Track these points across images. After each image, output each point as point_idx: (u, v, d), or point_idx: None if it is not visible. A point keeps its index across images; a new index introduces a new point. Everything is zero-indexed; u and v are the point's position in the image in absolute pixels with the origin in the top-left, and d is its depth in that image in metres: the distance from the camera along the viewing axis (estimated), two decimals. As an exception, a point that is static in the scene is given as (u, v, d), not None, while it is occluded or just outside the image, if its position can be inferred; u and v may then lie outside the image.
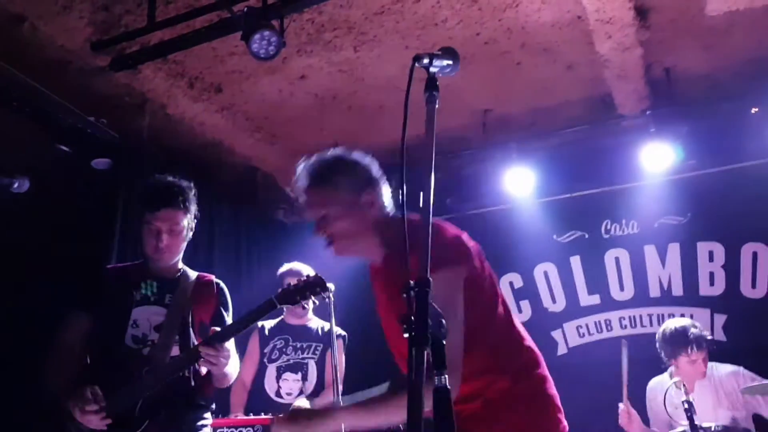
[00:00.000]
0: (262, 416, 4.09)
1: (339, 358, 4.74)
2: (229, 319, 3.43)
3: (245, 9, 4.23)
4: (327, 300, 4.25)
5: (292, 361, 4.76)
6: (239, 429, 3.90)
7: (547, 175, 6.10)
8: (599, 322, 6.19)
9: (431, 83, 1.75)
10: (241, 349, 4.90)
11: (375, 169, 2.57)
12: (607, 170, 6.12)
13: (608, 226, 6.30)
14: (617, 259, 6.21)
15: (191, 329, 3.23)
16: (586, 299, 6.28)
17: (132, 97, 5.16)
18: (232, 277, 6.20)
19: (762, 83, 5.30)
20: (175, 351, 3.18)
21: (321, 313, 4.88)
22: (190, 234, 3.39)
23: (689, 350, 4.46)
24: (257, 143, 6.20)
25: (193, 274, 3.44)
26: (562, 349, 6.25)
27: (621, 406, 4.50)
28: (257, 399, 4.58)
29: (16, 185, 2.62)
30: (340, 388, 4.64)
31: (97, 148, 5.20)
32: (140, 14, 4.39)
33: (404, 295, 1.40)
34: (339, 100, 5.64)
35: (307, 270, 4.92)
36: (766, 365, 4.66)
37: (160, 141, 5.60)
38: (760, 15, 4.71)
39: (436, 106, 1.74)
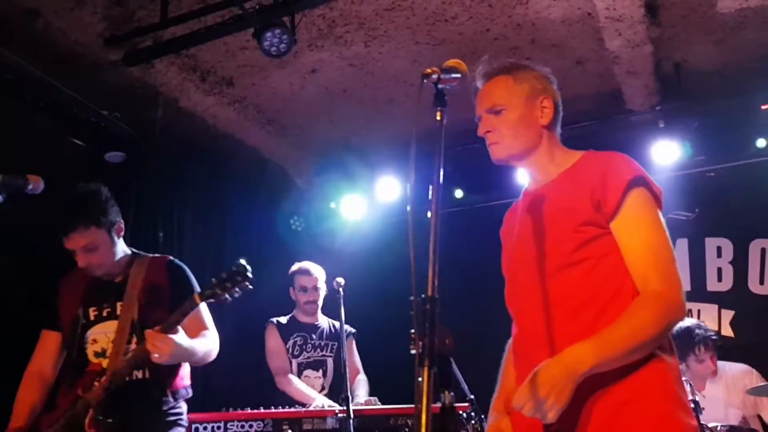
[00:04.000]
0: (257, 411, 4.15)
1: (351, 355, 4.88)
2: (189, 294, 3.19)
3: (257, 6, 4.27)
4: (337, 294, 4.34)
5: (312, 359, 4.84)
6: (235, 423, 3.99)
7: (555, 170, 6.10)
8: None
9: (440, 98, 1.78)
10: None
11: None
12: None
13: (616, 221, 6.29)
14: (625, 254, 6.21)
15: (143, 333, 3.09)
16: (594, 293, 6.27)
17: (145, 91, 5.20)
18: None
19: (772, 80, 5.30)
20: None
21: (328, 308, 4.94)
22: (115, 234, 3.27)
23: (696, 351, 4.49)
24: (268, 136, 6.23)
25: (143, 265, 3.34)
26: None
27: None
28: (279, 394, 4.63)
29: (30, 187, 2.62)
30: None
31: (110, 141, 5.26)
32: (153, 9, 4.44)
33: (411, 312, 1.44)
34: (349, 93, 5.66)
35: (318, 269, 5.04)
36: (774, 361, 4.70)
37: (173, 134, 5.64)
38: (771, 12, 4.71)
39: (445, 120, 1.78)
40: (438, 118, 1.79)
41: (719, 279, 5.90)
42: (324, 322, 5.04)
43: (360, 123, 6.10)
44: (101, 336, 3.24)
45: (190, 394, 3.39)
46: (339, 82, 5.49)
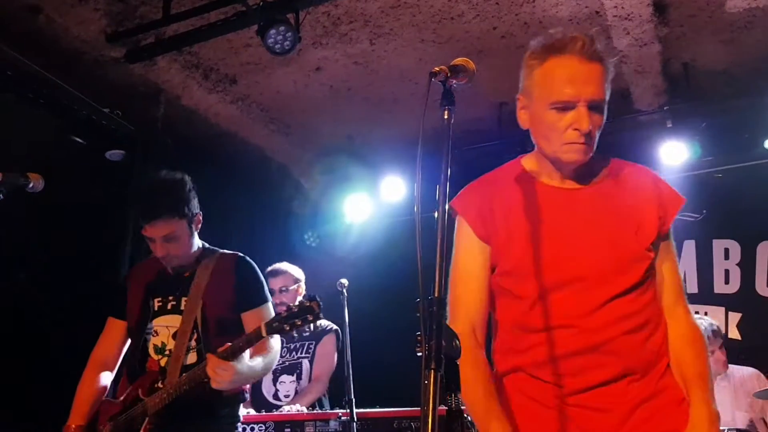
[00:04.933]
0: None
1: (329, 349, 4.68)
2: (255, 294, 3.24)
3: (260, 2, 4.23)
4: (341, 296, 4.28)
5: (287, 363, 4.67)
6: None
7: (561, 170, 6.07)
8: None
9: (447, 97, 1.73)
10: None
11: None
12: (624, 165, 6.08)
13: (623, 222, 6.26)
14: (632, 255, 6.17)
15: (205, 332, 3.12)
16: (600, 295, 6.24)
17: (147, 89, 5.17)
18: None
19: (781, 80, 5.24)
20: (192, 357, 3.11)
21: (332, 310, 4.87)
22: (194, 226, 3.22)
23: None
24: (272, 134, 6.20)
25: (212, 261, 3.26)
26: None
27: None
28: (255, 401, 4.48)
29: (31, 185, 2.60)
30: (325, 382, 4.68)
31: (111, 139, 5.22)
32: (156, 6, 4.41)
33: (417, 314, 1.40)
34: (354, 91, 5.62)
35: (292, 269, 4.84)
36: (781, 364, 4.65)
37: (175, 132, 5.59)
38: (780, 11, 4.66)
39: (452, 119, 1.73)
40: (446, 117, 1.73)
41: (726, 281, 5.84)
42: None
43: (364, 122, 6.06)
44: (162, 329, 3.19)
45: (247, 399, 3.36)
46: (343, 81, 5.45)
